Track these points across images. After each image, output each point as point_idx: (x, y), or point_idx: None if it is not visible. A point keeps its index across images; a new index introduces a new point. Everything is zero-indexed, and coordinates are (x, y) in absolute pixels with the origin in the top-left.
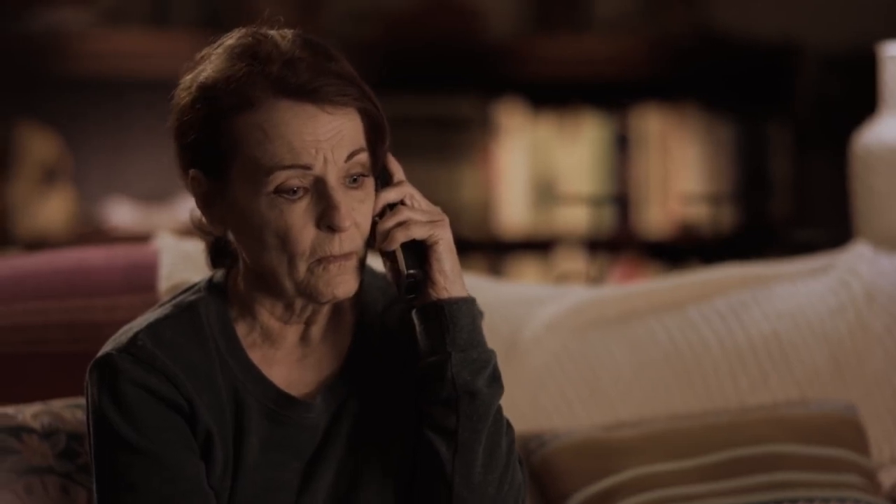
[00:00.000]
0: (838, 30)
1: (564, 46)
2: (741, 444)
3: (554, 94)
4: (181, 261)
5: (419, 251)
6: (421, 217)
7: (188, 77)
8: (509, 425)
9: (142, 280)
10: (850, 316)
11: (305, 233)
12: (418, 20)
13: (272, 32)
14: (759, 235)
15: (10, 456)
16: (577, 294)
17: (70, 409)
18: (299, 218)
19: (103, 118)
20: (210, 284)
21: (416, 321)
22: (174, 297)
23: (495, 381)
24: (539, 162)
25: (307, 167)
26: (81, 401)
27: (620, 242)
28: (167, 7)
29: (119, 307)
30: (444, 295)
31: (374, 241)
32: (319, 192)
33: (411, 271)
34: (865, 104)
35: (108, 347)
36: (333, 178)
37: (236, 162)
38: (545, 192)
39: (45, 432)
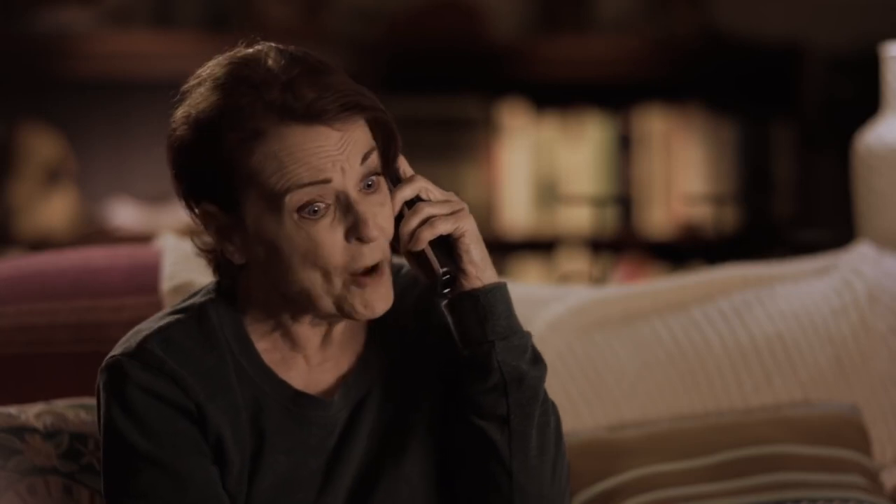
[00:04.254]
0: (842, 30)
1: (568, 47)
2: (744, 444)
3: (557, 95)
4: (184, 261)
5: (446, 244)
6: (442, 210)
7: (179, 113)
8: (553, 405)
9: (145, 281)
10: (853, 316)
11: (336, 248)
12: (422, 20)
13: (253, 50)
14: (763, 236)
15: (13, 456)
16: (581, 294)
17: (73, 409)
18: (327, 234)
19: (107, 119)
20: (219, 288)
21: (448, 313)
22: (183, 301)
23: (538, 360)
24: (542, 162)
25: (326, 181)
26: (85, 400)
27: (623, 243)
28: (172, 8)
29: (125, 307)
30: (478, 284)
31: (396, 242)
32: (343, 206)
33: (445, 269)
34: (869, 105)
35: (117, 350)
36: (353, 189)
37: (252, 192)
38: (548, 193)
39: (48, 432)
